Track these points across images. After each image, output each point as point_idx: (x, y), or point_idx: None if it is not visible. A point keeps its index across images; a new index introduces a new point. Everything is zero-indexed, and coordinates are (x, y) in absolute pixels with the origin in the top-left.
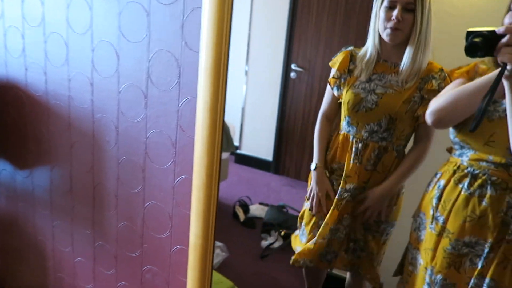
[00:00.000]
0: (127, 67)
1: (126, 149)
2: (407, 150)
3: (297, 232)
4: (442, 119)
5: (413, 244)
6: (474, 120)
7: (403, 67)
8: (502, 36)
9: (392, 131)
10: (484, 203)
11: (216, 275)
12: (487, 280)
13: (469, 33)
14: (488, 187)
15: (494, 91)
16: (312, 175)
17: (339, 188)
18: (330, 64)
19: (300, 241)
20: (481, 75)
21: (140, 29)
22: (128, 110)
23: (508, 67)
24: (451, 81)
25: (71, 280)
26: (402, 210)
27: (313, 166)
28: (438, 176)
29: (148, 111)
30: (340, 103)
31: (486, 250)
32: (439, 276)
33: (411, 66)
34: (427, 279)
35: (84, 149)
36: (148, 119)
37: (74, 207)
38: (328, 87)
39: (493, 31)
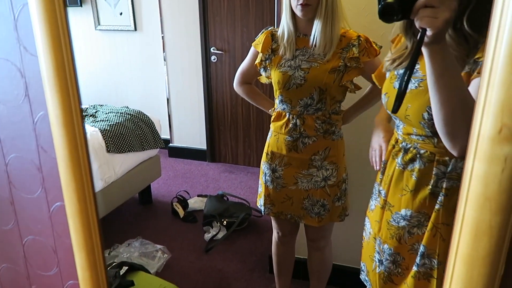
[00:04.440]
0: None
1: None
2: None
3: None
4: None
5: (367, 212)
6: (396, 100)
7: (313, 41)
8: None
9: (325, 100)
10: (413, 177)
11: (157, 281)
12: (421, 246)
13: None
14: (417, 161)
15: (415, 63)
16: None
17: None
18: (253, 44)
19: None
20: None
21: None
22: None
23: (428, 32)
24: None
25: None
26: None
27: None
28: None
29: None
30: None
31: (422, 219)
32: (386, 246)
33: (322, 38)
34: (377, 248)
35: None
36: (3, 143)
37: None
38: (252, 50)
39: None
